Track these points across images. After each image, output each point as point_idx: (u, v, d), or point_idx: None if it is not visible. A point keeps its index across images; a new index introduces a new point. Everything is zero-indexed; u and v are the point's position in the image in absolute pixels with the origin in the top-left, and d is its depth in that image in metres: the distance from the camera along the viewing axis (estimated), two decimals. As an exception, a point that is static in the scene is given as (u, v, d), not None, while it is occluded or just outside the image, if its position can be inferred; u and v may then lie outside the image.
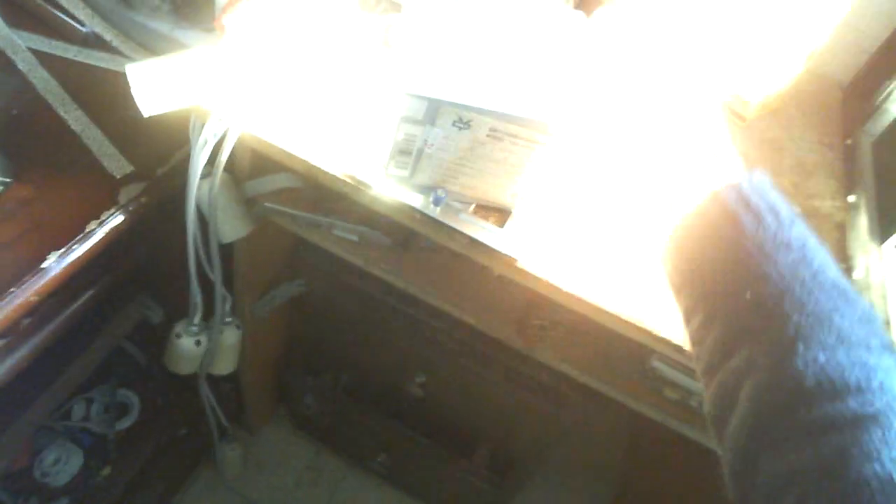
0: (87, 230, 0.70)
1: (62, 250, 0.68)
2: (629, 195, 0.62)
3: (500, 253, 0.64)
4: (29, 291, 0.65)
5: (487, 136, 0.60)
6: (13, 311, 0.64)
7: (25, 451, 1.07)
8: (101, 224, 0.71)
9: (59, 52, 0.84)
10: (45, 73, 0.81)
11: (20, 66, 0.81)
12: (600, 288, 0.63)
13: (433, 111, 0.59)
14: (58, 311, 0.76)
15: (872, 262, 0.58)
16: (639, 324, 0.62)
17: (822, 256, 0.38)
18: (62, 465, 1.09)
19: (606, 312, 0.63)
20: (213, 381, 1.09)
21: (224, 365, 0.95)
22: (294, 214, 0.80)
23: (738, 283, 0.38)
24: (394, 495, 1.56)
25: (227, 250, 0.88)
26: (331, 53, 0.70)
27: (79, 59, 0.84)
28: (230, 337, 0.93)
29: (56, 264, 0.67)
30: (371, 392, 1.35)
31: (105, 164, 0.75)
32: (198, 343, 0.87)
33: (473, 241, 0.65)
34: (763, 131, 0.79)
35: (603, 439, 1.33)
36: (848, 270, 0.64)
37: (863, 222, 0.63)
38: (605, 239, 0.67)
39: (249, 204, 0.84)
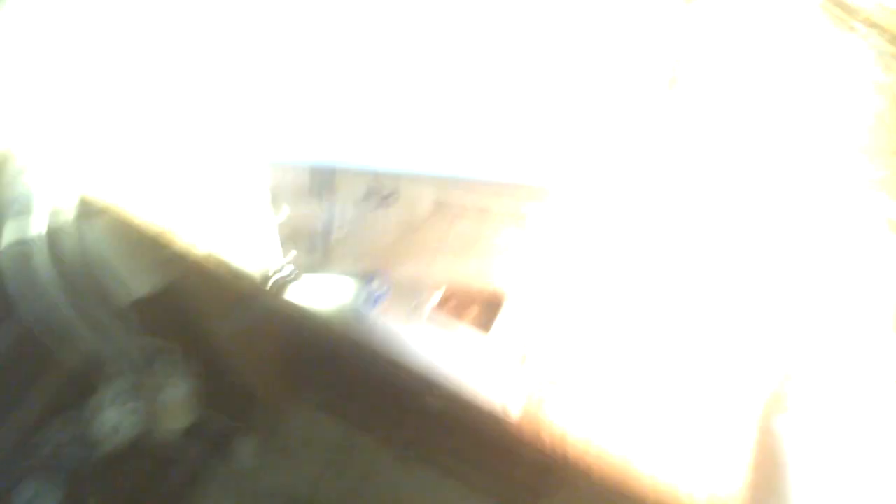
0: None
1: None
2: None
3: (475, 396, 0.38)
4: None
5: (433, 210, 0.33)
6: None
7: (-5, 492, 0.95)
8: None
9: None
10: None
11: None
12: (625, 441, 0.37)
13: (325, 181, 0.31)
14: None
15: None
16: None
17: None
18: (40, 502, 0.97)
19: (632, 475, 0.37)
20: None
21: (174, 422, 0.76)
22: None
23: None
24: (428, 476, 1.40)
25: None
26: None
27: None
28: (174, 393, 0.73)
29: None
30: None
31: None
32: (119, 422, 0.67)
33: (431, 370, 0.39)
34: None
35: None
36: None
37: None
38: (634, 360, 0.39)
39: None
